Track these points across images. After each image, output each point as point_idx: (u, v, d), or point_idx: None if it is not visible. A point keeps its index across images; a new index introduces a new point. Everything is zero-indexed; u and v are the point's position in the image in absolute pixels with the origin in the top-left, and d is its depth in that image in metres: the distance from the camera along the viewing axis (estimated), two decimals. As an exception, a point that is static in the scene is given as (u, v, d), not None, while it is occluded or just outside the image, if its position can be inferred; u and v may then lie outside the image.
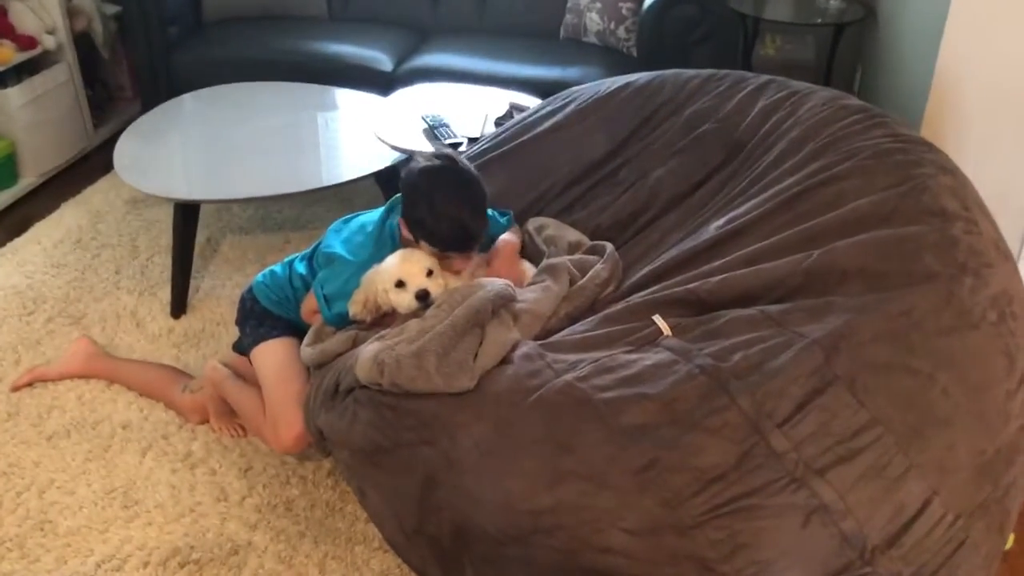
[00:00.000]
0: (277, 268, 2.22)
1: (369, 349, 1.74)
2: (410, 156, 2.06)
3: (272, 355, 2.14)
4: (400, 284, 1.90)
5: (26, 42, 3.51)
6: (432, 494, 1.64)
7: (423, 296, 1.88)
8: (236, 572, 1.96)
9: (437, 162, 1.93)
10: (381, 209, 2.12)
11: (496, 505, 1.55)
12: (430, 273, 1.90)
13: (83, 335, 2.66)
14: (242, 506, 2.13)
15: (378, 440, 1.72)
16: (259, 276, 2.24)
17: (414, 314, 1.87)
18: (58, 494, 2.15)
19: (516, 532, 1.53)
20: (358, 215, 2.17)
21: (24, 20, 3.53)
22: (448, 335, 1.67)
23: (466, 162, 2.00)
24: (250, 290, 2.23)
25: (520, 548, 1.53)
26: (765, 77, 2.32)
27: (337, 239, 2.09)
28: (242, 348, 2.27)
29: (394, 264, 1.92)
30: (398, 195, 2.02)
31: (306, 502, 2.15)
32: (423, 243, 1.95)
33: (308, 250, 2.22)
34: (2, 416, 2.39)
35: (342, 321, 2.02)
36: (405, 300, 1.89)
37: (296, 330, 2.15)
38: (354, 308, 1.96)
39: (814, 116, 2.10)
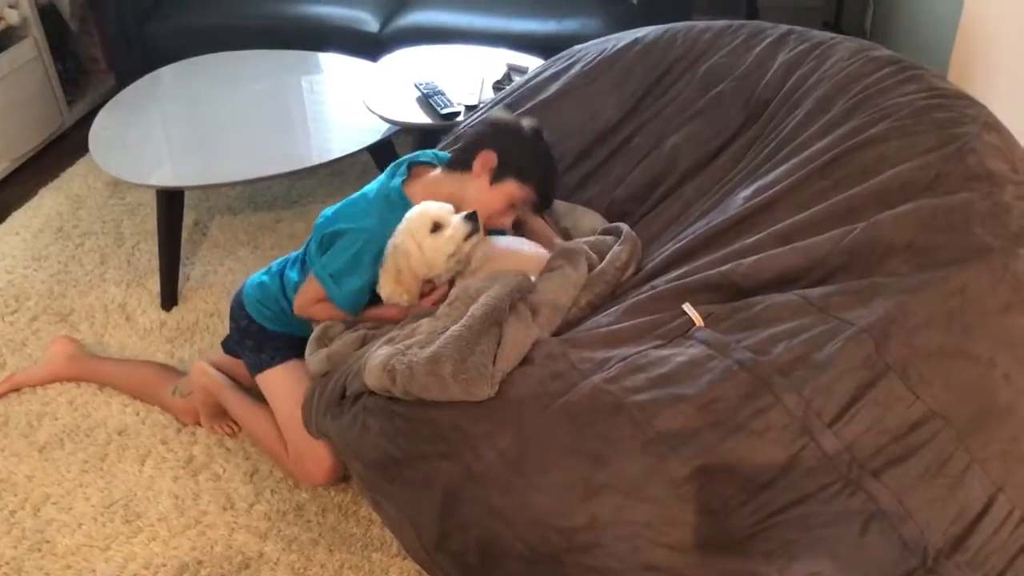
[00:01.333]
0: (265, 279, 2.06)
1: (378, 355, 1.60)
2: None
3: (280, 384, 2.01)
4: (437, 227, 1.78)
5: (-12, 19, 3.30)
6: (454, 509, 1.52)
7: (472, 216, 1.78)
8: (250, 585, 1.87)
9: (536, 128, 1.96)
10: (377, 180, 1.97)
11: (525, 522, 1.43)
12: (437, 226, 1.80)
13: (61, 335, 2.50)
14: (250, 514, 2.02)
15: (391, 452, 1.59)
16: (249, 287, 2.08)
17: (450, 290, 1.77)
18: (55, 511, 2.04)
19: (548, 550, 1.42)
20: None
21: (-17, -5, 3.32)
22: (464, 338, 1.52)
23: None
24: (241, 305, 2.08)
25: (553, 567, 1.42)
26: (783, 27, 2.16)
27: (332, 223, 1.93)
28: (232, 349, 2.16)
29: (417, 211, 1.79)
30: (403, 157, 1.97)
31: (317, 506, 2.04)
32: (511, 182, 1.87)
33: (298, 252, 2.06)
34: (-10, 428, 2.27)
35: (357, 301, 1.86)
36: (449, 241, 1.78)
37: (299, 347, 2.00)
38: (387, 289, 1.83)
39: (841, 70, 1.94)
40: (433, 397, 1.52)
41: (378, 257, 1.84)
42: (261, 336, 2.05)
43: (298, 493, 2.07)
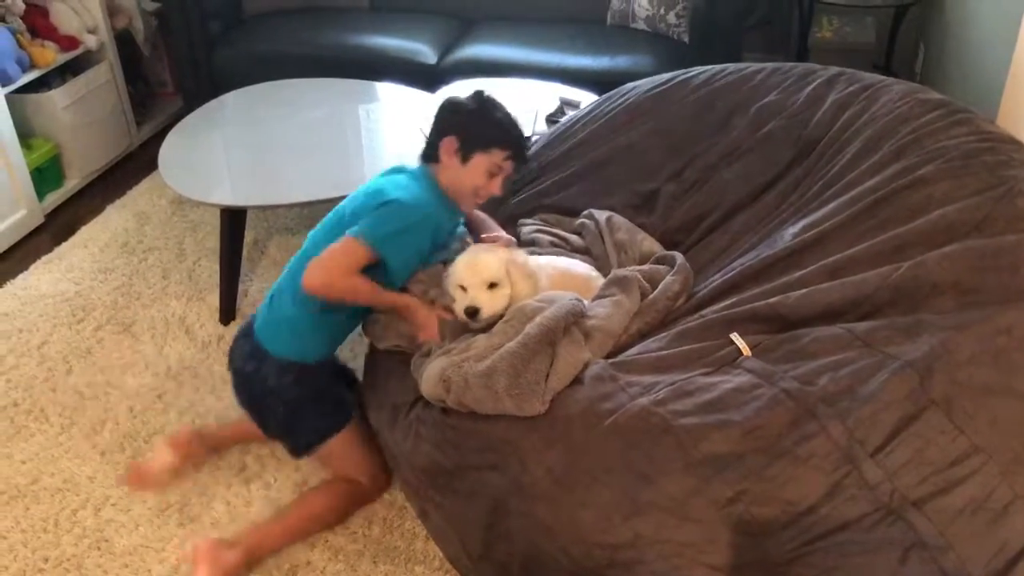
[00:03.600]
0: (265, 313, 1.99)
1: (435, 365, 1.67)
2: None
3: (345, 448, 2.03)
4: (463, 288, 1.84)
5: (68, 43, 3.47)
6: (500, 521, 1.57)
7: (471, 313, 1.81)
8: (296, 593, 1.92)
9: (482, 94, 2.00)
10: (393, 177, 1.99)
11: (570, 536, 1.48)
12: (492, 286, 1.82)
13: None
14: (299, 523, 2.08)
15: (441, 462, 1.66)
16: (261, 331, 1.97)
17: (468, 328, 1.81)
18: (114, 511, 2.12)
19: (591, 565, 1.46)
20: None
21: (65, 20, 3.49)
22: (519, 355, 1.59)
23: None
24: (262, 354, 1.94)
25: (596, 582, 1.46)
26: (834, 69, 2.21)
27: (379, 196, 1.88)
28: (267, 432, 2.07)
29: (462, 266, 1.85)
30: (391, 167, 2.04)
31: (363, 519, 2.09)
32: (479, 156, 1.91)
33: (291, 267, 1.98)
34: (56, 430, 2.37)
35: (408, 268, 1.89)
36: (458, 307, 1.84)
37: (340, 393, 2.05)
38: (413, 286, 1.92)
39: (891, 112, 1.98)
40: (485, 410, 1.58)
41: (427, 237, 1.89)
42: (298, 389, 1.95)
43: (346, 505, 2.12)
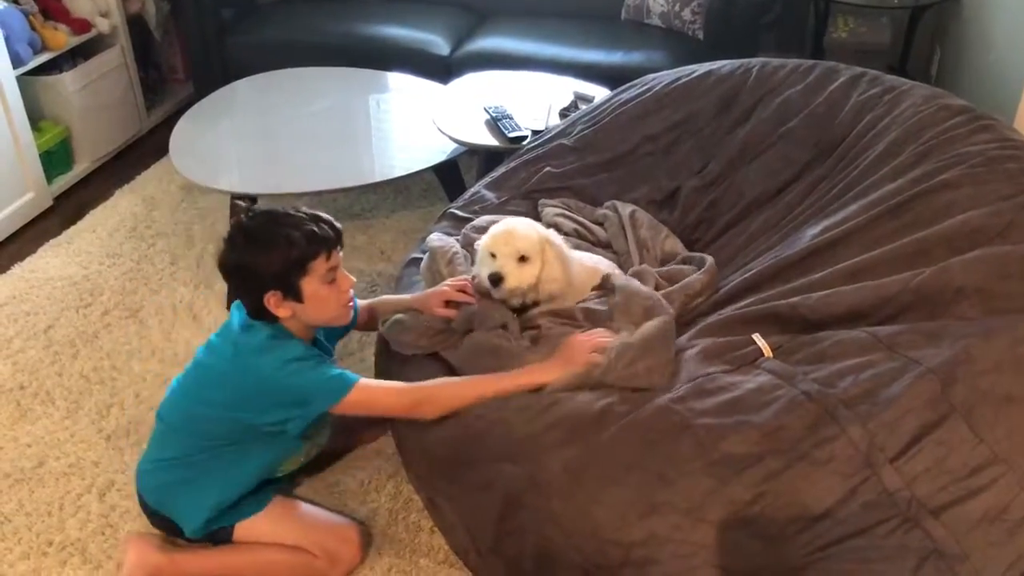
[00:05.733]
0: (154, 457, 1.86)
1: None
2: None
3: (271, 528, 1.84)
4: (493, 256, 1.80)
5: (80, 26, 3.45)
6: (513, 514, 1.55)
7: (495, 280, 1.76)
8: (301, 584, 1.91)
9: (234, 228, 1.71)
10: (232, 330, 1.75)
11: (584, 533, 1.46)
12: (523, 259, 1.77)
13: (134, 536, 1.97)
14: (305, 514, 2.07)
15: (455, 454, 1.64)
16: (153, 480, 1.86)
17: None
18: (118, 497, 2.11)
19: (604, 562, 1.45)
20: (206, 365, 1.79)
21: (78, 3, 3.46)
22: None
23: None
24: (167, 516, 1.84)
25: (608, 581, 1.44)
26: (857, 69, 2.19)
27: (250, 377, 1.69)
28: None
29: (497, 234, 1.80)
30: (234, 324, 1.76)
31: (367, 510, 2.08)
32: (305, 282, 1.67)
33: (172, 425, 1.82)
34: (62, 413, 2.35)
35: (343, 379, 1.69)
36: (483, 272, 1.80)
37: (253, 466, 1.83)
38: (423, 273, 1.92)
39: (914, 116, 1.97)
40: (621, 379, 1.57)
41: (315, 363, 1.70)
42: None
43: (348, 496, 2.11)
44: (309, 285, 1.67)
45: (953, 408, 1.42)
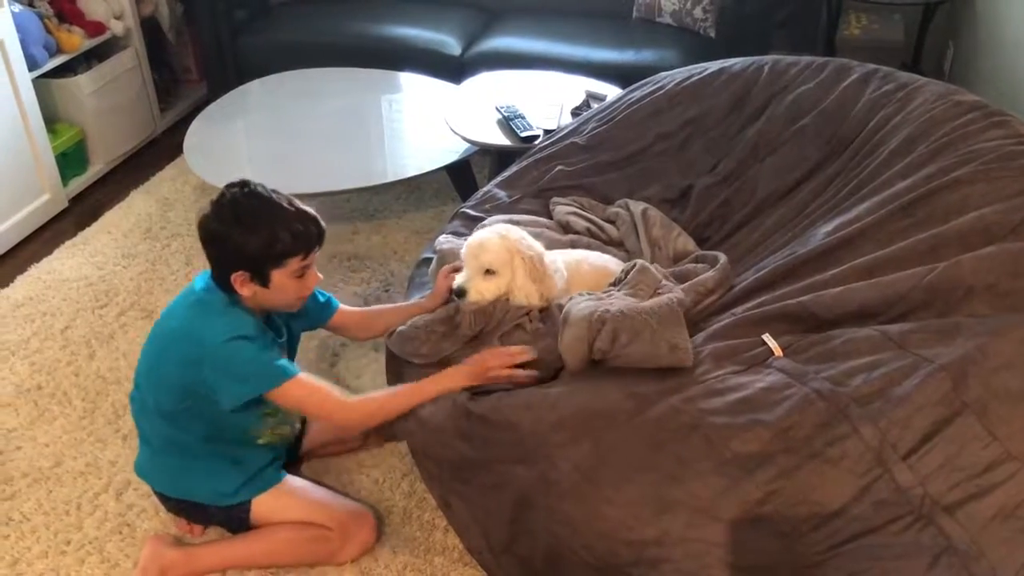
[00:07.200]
0: (157, 445, 1.89)
1: (581, 307, 1.63)
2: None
3: (278, 504, 1.89)
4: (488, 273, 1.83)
5: (94, 28, 3.48)
6: (525, 515, 1.56)
7: (459, 293, 1.81)
8: (315, 582, 1.92)
9: (226, 198, 1.71)
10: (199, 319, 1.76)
11: (595, 533, 1.47)
12: (489, 272, 1.80)
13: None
14: (319, 512, 2.08)
15: (467, 454, 1.65)
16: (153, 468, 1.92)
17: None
18: (135, 496, 2.13)
19: (616, 562, 1.45)
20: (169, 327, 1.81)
21: (92, 6, 3.49)
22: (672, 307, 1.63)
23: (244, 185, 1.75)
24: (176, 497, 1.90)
25: (620, 579, 1.45)
26: (869, 66, 2.19)
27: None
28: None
29: (469, 244, 1.83)
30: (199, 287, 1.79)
31: (382, 508, 2.09)
32: (276, 274, 1.70)
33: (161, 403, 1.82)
34: (79, 413, 2.38)
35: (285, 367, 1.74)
36: (458, 279, 1.85)
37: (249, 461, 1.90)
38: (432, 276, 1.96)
39: (927, 112, 1.96)
40: (641, 345, 1.56)
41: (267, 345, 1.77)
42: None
43: (362, 495, 2.12)
44: (279, 276, 1.72)
45: (965, 405, 1.41)
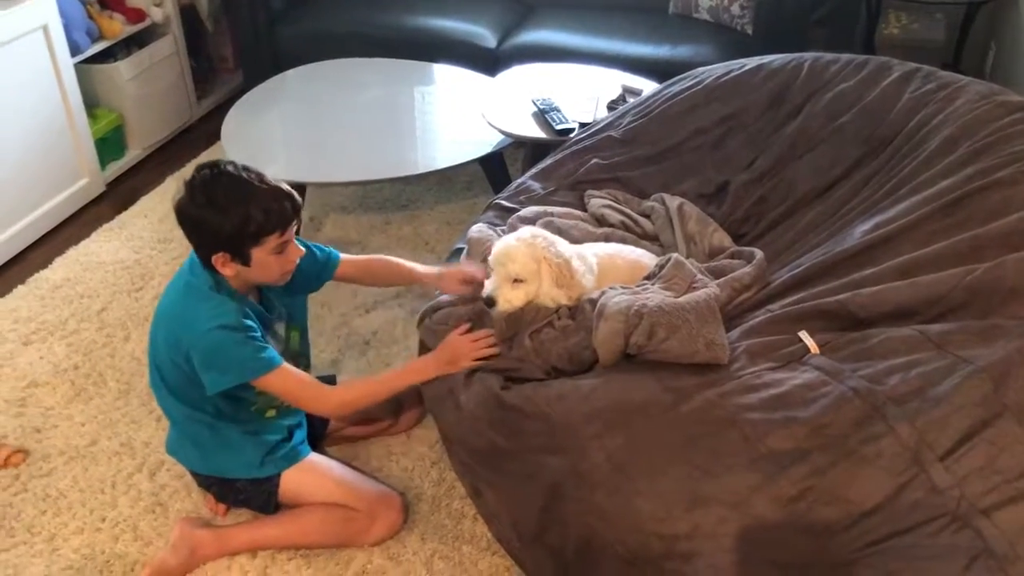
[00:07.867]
0: (183, 428, 1.94)
1: (617, 301, 1.64)
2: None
3: (305, 479, 1.93)
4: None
5: (135, 15, 3.52)
6: (557, 505, 1.57)
7: (488, 303, 1.80)
8: (344, 567, 1.93)
9: (197, 180, 1.69)
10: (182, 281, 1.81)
11: (627, 525, 1.47)
12: (516, 281, 1.79)
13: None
14: (349, 498, 2.10)
15: (499, 443, 1.66)
16: (193, 456, 1.96)
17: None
18: (168, 476, 2.16)
19: (647, 554, 1.45)
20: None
21: (133, -8, 3.54)
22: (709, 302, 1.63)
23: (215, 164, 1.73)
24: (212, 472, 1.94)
25: (651, 572, 1.45)
26: (911, 65, 2.16)
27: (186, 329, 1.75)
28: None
29: (497, 251, 1.82)
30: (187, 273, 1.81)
31: (411, 496, 2.10)
32: (256, 252, 1.70)
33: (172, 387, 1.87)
34: (114, 394, 2.41)
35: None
36: (487, 287, 1.84)
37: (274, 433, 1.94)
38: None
39: (969, 112, 1.94)
40: (678, 341, 1.56)
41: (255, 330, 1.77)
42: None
43: (392, 482, 2.13)
44: (259, 254, 1.72)
45: (1006, 408, 1.40)
